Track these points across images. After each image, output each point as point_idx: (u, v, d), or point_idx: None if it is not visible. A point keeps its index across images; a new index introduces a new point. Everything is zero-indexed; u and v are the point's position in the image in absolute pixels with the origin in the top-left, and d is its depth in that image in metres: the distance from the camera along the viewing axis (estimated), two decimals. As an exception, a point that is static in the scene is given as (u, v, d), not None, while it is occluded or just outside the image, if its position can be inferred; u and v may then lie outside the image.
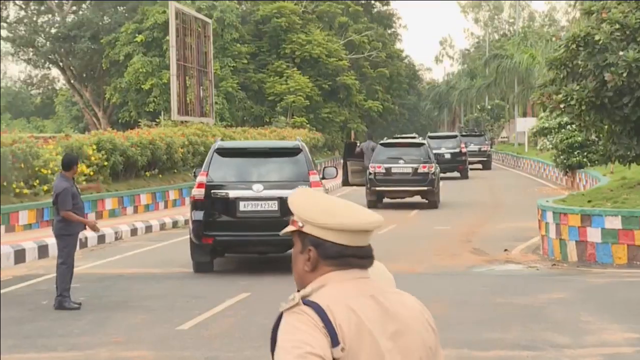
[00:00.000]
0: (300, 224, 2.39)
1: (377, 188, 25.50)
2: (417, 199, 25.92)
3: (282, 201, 12.85)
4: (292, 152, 13.84)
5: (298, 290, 2.40)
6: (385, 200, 26.18)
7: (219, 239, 13.29)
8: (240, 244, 13.73)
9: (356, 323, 2.31)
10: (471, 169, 43.04)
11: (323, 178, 15.25)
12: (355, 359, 2.30)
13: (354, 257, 2.39)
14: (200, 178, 13.47)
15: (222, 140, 15.35)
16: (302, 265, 2.41)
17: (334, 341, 2.27)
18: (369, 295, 2.39)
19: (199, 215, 13.30)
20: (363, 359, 2.30)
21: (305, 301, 2.32)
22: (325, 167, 16.41)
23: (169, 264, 14.68)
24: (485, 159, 48.53)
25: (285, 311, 2.32)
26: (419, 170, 25.25)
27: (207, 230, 13.22)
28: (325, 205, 2.39)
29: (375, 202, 25.67)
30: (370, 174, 25.55)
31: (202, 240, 13.27)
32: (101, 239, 17.92)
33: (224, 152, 13.83)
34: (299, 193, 2.43)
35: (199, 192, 13.41)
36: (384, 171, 25.40)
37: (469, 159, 42.37)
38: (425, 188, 25.14)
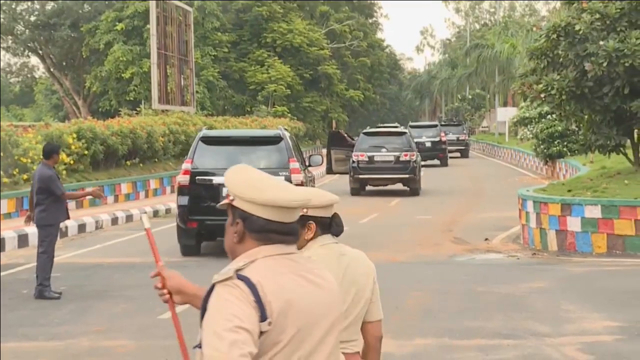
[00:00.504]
0: (232, 198, 2.55)
1: (360, 176, 26.01)
2: (399, 186, 26.35)
3: None
4: (274, 140, 14.43)
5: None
6: (368, 187, 26.64)
7: (203, 223, 13.77)
8: (224, 228, 13.88)
9: (285, 300, 2.41)
10: (450, 157, 44.10)
11: (309, 165, 16.07)
12: (281, 333, 2.39)
13: (276, 232, 2.50)
14: (185, 165, 14.13)
15: (207, 128, 15.82)
16: (231, 236, 2.57)
17: (263, 316, 2.36)
18: (298, 272, 2.49)
19: (184, 200, 13.92)
20: (289, 333, 2.40)
21: (239, 275, 2.41)
22: (311, 155, 17.06)
23: (150, 253, 14.59)
24: (463, 147, 50.43)
25: (218, 283, 2.42)
26: (400, 159, 25.91)
27: (192, 215, 13.78)
28: (254, 181, 2.53)
29: (358, 189, 26.22)
30: (353, 162, 26.06)
31: (187, 224, 13.86)
32: (82, 228, 17.84)
33: (208, 140, 14.40)
34: (233, 170, 2.59)
35: (183, 179, 14.00)
36: (366, 159, 25.98)
37: (450, 147, 44.33)
38: (407, 176, 25.78)
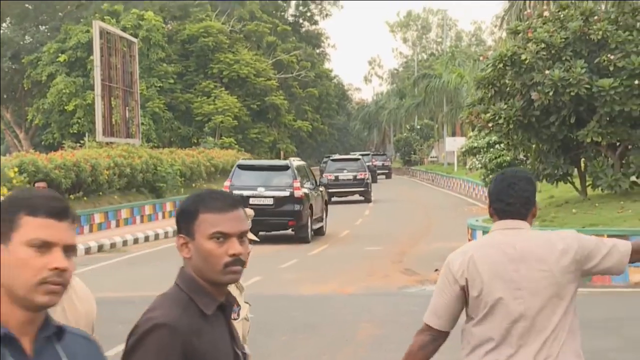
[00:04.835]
0: None
1: (329, 190, 34.31)
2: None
3: (275, 198, 20.49)
4: (284, 167, 21.42)
5: None
6: (334, 198, 35.51)
7: None
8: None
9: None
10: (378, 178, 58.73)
11: (320, 184, 23.43)
12: None
13: None
14: (226, 183, 20.94)
15: (243, 159, 23.70)
16: None
17: None
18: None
19: None
20: None
21: None
22: (321, 178, 24.23)
23: (94, 289, 14.17)
24: (387, 171, 67.01)
25: None
26: (357, 177, 37.63)
27: None
28: None
29: (327, 201, 34.02)
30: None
31: None
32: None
33: (242, 167, 21.63)
34: None
35: None
36: (333, 178, 37.07)
37: (377, 170, 61.04)
38: (362, 189, 37.50)
